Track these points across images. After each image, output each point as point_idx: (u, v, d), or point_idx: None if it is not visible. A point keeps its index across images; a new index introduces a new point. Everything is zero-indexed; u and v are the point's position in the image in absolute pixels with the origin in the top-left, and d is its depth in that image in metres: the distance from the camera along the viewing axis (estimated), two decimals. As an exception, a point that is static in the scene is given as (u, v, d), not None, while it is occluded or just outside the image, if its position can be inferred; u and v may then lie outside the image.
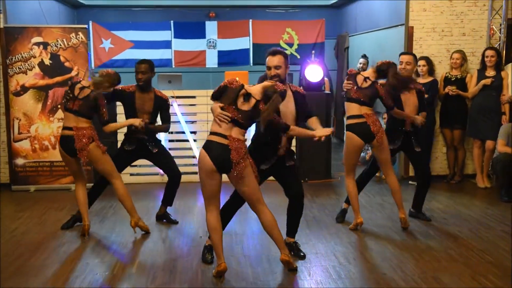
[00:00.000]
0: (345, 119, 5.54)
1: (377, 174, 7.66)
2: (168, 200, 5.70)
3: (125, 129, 5.50)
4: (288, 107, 4.32)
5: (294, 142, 7.51)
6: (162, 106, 5.49)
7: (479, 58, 7.18)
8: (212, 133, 4.04)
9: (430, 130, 7.25)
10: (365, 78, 5.18)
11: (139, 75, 5.37)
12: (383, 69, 5.16)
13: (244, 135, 4.08)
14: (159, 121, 5.61)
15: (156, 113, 5.48)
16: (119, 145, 7.26)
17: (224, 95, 4.01)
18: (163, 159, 5.62)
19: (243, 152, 4.00)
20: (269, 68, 4.30)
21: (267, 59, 4.32)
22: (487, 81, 6.86)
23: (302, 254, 4.59)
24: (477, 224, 5.52)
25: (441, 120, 7.28)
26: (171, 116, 5.73)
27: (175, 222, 5.62)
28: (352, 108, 5.20)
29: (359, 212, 5.34)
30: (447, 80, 7.17)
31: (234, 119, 3.99)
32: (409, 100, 5.47)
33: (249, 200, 4.18)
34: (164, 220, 5.68)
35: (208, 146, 4.02)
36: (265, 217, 4.18)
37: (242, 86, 4.02)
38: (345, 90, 5.26)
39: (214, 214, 4.15)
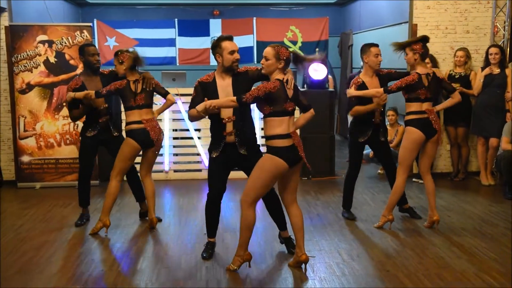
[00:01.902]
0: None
1: (379, 171, 7.70)
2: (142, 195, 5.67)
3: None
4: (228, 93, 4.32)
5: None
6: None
7: (483, 55, 7.17)
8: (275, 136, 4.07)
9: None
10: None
11: (96, 57, 5.41)
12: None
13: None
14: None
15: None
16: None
17: (273, 99, 4.00)
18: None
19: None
20: (232, 52, 4.32)
21: (224, 43, 4.36)
22: (486, 71, 6.85)
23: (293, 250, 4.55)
24: (481, 221, 5.52)
25: (445, 118, 7.28)
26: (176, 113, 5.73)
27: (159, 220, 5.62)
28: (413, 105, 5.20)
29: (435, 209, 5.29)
30: (451, 78, 7.17)
31: (291, 111, 4.10)
32: (372, 85, 5.37)
33: (290, 195, 4.29)
34: (146, 218, 5.62)
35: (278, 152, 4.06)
36: (294, 218, 4.32)
37: (281, 82, 4.04)
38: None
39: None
